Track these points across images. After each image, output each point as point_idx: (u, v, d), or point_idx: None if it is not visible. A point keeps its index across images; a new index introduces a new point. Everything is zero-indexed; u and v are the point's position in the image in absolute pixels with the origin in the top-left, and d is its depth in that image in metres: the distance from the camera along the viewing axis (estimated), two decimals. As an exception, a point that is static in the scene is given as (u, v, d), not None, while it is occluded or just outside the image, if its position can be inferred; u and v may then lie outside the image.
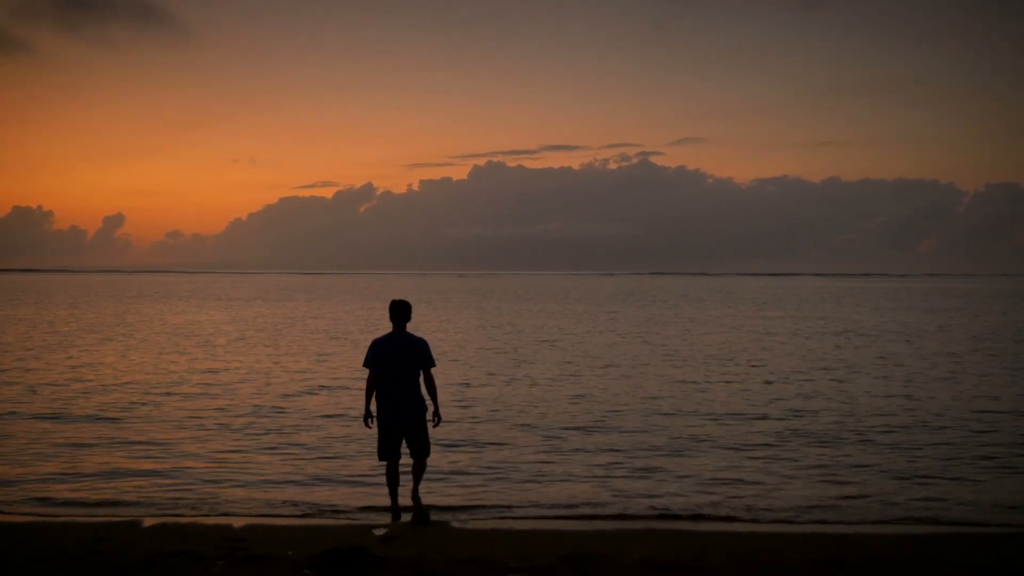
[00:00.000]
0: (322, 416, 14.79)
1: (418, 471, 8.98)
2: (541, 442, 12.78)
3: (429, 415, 8.80)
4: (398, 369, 8.59)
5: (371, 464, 11.14)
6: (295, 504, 9.44)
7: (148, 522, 8.56)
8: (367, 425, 8.86)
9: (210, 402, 16.29)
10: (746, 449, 12.39)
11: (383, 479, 9.29)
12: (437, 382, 9.02)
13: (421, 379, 8.73)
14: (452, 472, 10.85)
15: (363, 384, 9.88)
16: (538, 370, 21.97)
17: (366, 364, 8.71)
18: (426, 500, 9.32)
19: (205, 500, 9.56)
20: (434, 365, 8.74)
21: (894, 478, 10.81)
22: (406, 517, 8.90)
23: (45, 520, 8.71)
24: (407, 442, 8.81)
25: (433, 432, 9.36)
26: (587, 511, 9.31)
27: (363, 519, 8.84)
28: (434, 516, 8.99)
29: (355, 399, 16.52)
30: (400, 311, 8.71)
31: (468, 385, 18.81)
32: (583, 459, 11.68)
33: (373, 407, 8.83)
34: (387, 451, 8.77)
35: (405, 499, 9.12)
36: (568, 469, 11.12)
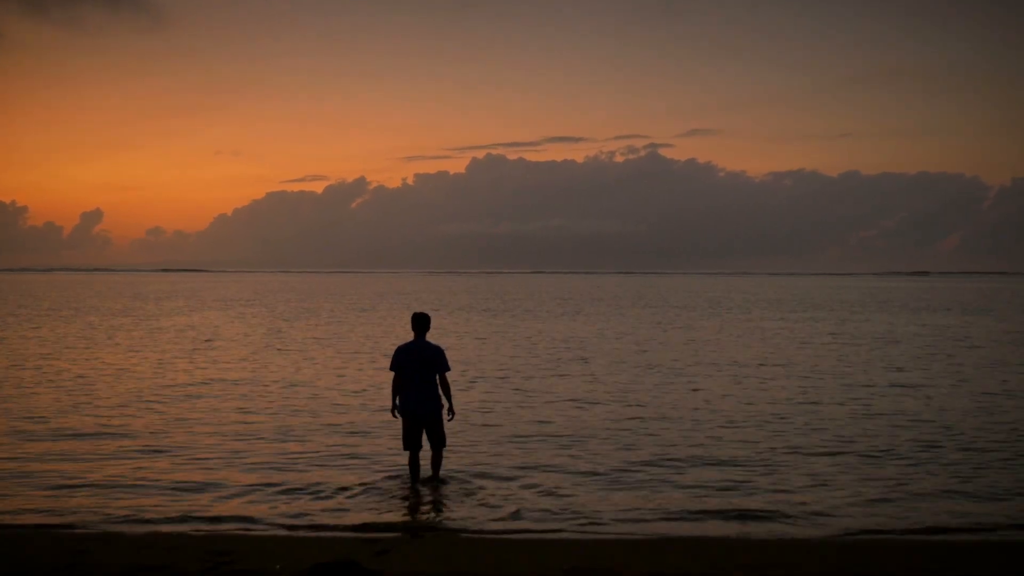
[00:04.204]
0: (315, 426, 14.82)
1: (437, 462, 10.77)
2: (547, 450, 12.78)
3: (444, 412, 10.56)
4: (418, 372, 10.43)
5: (366, 474, 11.21)
6: (284, 516, 9.44)
7: (130, 534, 8.59)
8: (394, 415, 10.66)
9: (199, 411, 16.33)
10: (760, 456, 12.39)
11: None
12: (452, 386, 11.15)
13: (438, 381, 10.51)
14: (451, 477, 10.88)
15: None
16: (553, 381, 21.98)
17: (392, 368, 10.55)
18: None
19: (191, 511, 9.54)
20: (448, 369, 10.59)
21: (921, 489, 10.81)
22: (406, 532, 8.99)
23: (23, 531, 8.72)
24: (427, 433, 10.60)
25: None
26: (592, 521, 9.30)
27: (356, 532, 8.85)
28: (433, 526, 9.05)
29: (352, 408, 16.75)
30: (421, 322, 10.61)
31: (476, 395, 18.84)
32: (590, 468, 11.67)
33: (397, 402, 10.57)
34: (411, 441, 10.58)
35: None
36: (575, 478, 11.11)
